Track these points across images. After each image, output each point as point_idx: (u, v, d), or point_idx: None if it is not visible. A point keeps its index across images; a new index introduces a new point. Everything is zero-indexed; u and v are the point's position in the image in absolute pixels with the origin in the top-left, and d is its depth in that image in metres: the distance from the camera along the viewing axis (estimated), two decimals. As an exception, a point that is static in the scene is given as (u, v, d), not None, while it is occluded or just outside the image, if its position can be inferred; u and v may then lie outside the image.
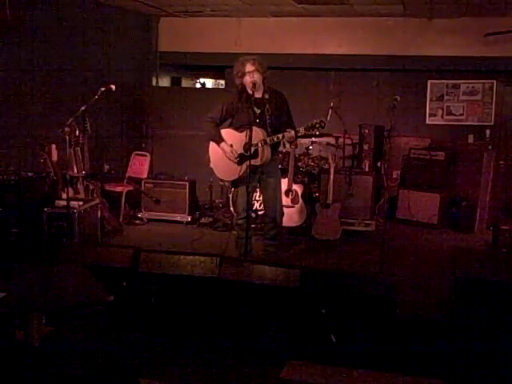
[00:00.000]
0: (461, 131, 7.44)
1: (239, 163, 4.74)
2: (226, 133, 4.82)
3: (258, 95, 4.68)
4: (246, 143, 4.62)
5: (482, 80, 7.42)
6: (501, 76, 7.36)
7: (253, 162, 4.55)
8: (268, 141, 4.61)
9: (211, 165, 4.99)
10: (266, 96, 4.73)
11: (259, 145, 4.59)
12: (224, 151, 4.77)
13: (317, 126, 4.48)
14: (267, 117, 4.67)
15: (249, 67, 4.62)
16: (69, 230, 4.90)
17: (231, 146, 4.75)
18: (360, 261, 5.34)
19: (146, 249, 4.03)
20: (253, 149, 4.55)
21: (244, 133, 4.63)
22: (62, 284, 3.24)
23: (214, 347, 3.45)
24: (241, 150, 4.72)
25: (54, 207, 5.05)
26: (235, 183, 4.97)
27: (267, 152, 4.68)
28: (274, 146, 4.82)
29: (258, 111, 4.64)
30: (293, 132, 4.56)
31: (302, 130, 4.55)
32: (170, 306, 3.72)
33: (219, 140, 4.78)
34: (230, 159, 4.76)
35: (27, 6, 5.75)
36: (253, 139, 4.47)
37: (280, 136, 4.61)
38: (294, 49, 7.77)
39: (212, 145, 4.87)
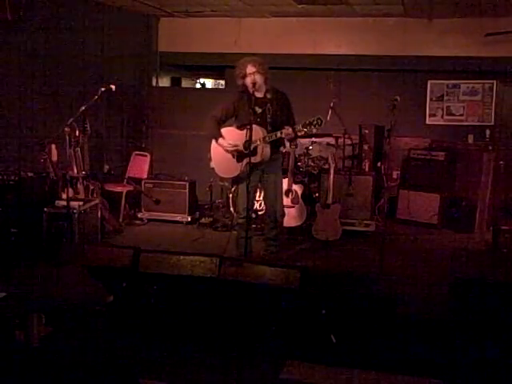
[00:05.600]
0: (461, 131, 7.44)
1: (238, 160, 4.78)
2: (227, 131, 4.86)
3: (260, 95, 4.71)
4: (245, 141, 4.64)
5: (482, 80, 7.43)
6: (501, 76, 7.36)
7: (252, 159, 4.58)
8: (267, 138, 4.64)
9: (212, 163, 5.03)
10: (268, 96, 4.76)
11: (258, 142, 4.61)
12: (223, 146, 4.80)
13: (314, 123, 4.51)
14: (268, 116, 4.69)
15: (250, 69, 4.65)
16: (69, 230, 4.91)
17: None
18: (360, 261, 5.34)
19: (146, 249, 4.03)
20: (252, 147, 4.58)
21: (244, 131, 4.66)
22: (62, 284, 3.24)
23: (214, 347, 3.45)
24: (241, 148, 4.75)
25: (54, 207, 5.06)
26: (235, 181, 5.00)
27: (266, 150, 4.71)
28: (275, 145, 4.83)
29: (259, 110, 4.68)
30: (290, 129, 4.58)
31: (299, 127, 4.58)
32: (170, 306, 3.72)
33: (217, 136, 4.83)
34: (228, 152, 4.81)
35: (27, 5, 5.74)
36: (253, 138, 4.49)
37: (278, 133, 4.63)
38: (294, 49, 7.77)
39: (213, 142, 4.92)
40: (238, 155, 4.79)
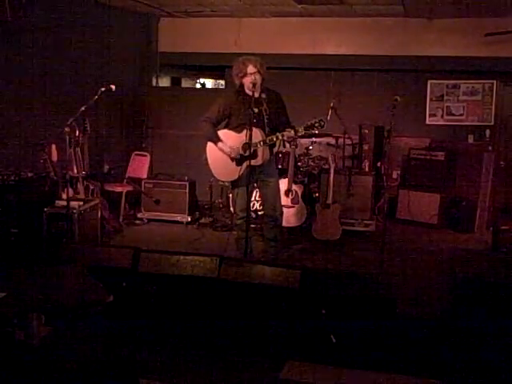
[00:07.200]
0: (461, 131, 7.44)
1: (238, 164, 4.72)
2: (223, 134, 4.77)
3: (256, 95, 4.66)
4: (244, 143, 4.60)
5: (482, 80, 7.42)
6: (501, 76, 7.36)
7: (252, 162, 4.54)
8: (267, 141, 4.60)
9: (209, 165, 4.97)
10: (263, 96, 4.71)
11: (258, 145, 4.57)
12: (223, 151, 4.74)
13: (316, 125, 4.47)
14: (265, 117, 4.66)
15: (251, 68, 4.61)
16: (69, 230, 4.90)
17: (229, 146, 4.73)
18: (360, 261, 5.34)
19: (146, 249, 4.03)
20: (252, 149, 4.53)
21: (242, 133, 4.61)
22: (62, 284, 3.24)
23: (214, 347, 3.45)
24: (240, 151, 4.70)
25: (54, 207, 5.05)
26: (234, 184, 4.94)
27: (266, 152, 4.68)
28: (271, 146, 4.81)
29: (255, 111, 4.61)
30: (292, 131, 4.54)
31: (301, 130, 4.54)
32: (170, 307, 3.72)
33: (216, 140, 4.74)
34: (230, 157, 4.74)
35: (27, 5, 5.74)
36: (252, 140, 4.45)
37: (279, 135, 4.60)
38: (294, 49, 7.77)
39: (209, 145, 4.82)
40: (238, 158, 4.75)
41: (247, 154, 4.57)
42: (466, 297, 3.49)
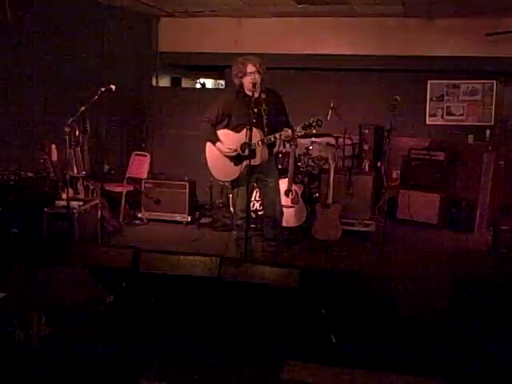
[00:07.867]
0: (461, 131, 7.44)
1: (237, 163, 4.72)
2: (222, 133, 4.79)
3: (256, 95, 4.66)
4: (243, 143, 4.61)
5: (482, 80, 7.43)
6: (501, 76, 7.36)
7: (252, 161, 4.55)
8: (265, 140, 4.61)
9: (208, 165, 4.98)
10: (263, 96, 4.72)
11: (257, 145, 4.58)
12: (221, 151, 4.75)
13: (313, 124, 4.48)
14: (264, 116, 4.66)
15: (250, 68, 4.61)
16: (69, 230, 4.91)
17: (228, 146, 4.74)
18: (360, 261, 5.34)
19: (146, 249, 4.03)
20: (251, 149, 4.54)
21: (241, 133, 4.62)
22: (62, 284, 3.24)
23: (214, 347, 3.45)
24: (238, 151, 4.71)
25: (53, 207, 5.06)
26: (234, 184, 4.94)
27: (264, 152, 4.68)
28: (271, 146, 4.81)
29: (255, 111, 4.61)
30: (290, 131, 4.55)
31: (299, 129, 4.55)
32: (170, 306, 3.72)
33: (215, 140, 4.76)
34: (227, 157, 4.74)
35: (27, 5, 5.74)
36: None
37: (277, 135, 4.60)
38: (294, 49, 7.77)
39: (209, 145, 4.84)
40: (236, 158, 4.75)
41: (246, 153, 4.58)
42: (466, 297, 3.49)
